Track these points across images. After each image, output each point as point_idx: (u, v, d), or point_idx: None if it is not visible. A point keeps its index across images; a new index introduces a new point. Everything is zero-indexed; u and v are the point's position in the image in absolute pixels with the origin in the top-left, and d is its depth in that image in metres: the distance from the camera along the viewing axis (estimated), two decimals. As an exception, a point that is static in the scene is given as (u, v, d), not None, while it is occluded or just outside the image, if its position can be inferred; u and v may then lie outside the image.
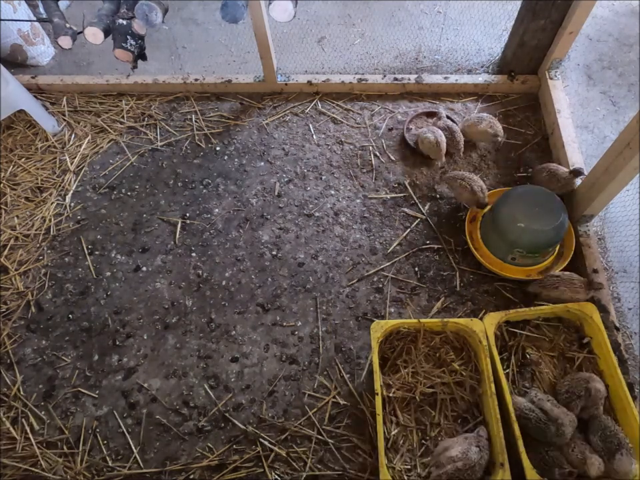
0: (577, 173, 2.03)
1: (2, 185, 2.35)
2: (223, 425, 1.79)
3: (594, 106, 2.56)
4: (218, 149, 2.48)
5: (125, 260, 2.15)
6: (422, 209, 2.24)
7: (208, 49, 2.93)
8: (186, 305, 2.04)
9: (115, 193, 2.35)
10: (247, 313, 2.01)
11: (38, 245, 2.19)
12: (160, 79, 2.64)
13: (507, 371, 1.74)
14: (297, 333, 1.96)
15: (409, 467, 1.61)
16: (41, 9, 2.85)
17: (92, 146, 2.50)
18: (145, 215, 2.28)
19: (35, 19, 2.78)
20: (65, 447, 1.76)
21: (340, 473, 1.69)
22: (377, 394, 1.60)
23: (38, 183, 2.36)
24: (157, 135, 2.53)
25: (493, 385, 1.61)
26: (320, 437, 1.75)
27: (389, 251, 2.13)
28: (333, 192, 2.32)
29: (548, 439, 1.57)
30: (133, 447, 1.76)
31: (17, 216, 2.27)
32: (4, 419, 1.80)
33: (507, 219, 1.90)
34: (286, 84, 2.60)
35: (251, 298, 2.05)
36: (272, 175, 2.38)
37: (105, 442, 1.78)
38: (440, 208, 2.24)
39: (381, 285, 2.05)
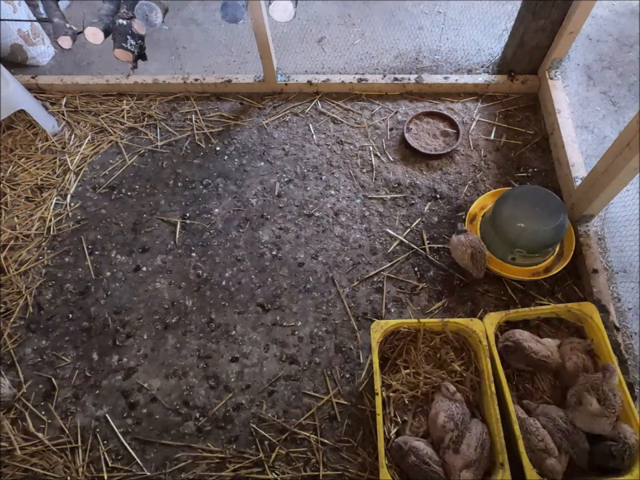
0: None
1: (2, 184, 2.35)
2: (223, 424, 1.79)
3: (594, 106, 2.56)
4: (218, 149, 2.48)
5: (125, 260, 2.16)
6: (422, 209, 2.24)
7: (208, 49, 2.93)
8: (186, 305, 2.04)
9: (115, 192, 2.35)
10: (246, 312, 2.01)
11: (38, 245, 2.19)
12: (160, 79, 2.64)
13: (507, 370, 1.74)
14: (296, 332, 1.96)
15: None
16: (41, 9, 2.85)
17: (92, 146, 2.50)
18: (145, 215, 2.28)
19: (35, 18, 2.78)
20: (64, 447, 1.76)
21: (340, 473, 1.69)
22: (377, 394, 1.60)
23: (38, 183, 2.36)
24: (156, 135, 2.53)
25: (493, 385, 1.61)
26: (320, 437, 1.75)
27: (388, 251, 2.13)
28: (332, 192, 2.32)
29: None
30: (133, 447, 1.76)
31: (17, 216, 2.27)
32: (5, 419, 1.80)
33: (507, 219, 1.90)
34: (286, 84, 2.60)
35: (251, 298, 2.05)
36: (272, 175, 2.38)
37: (105, 442, 1.78)
38: (440, 208, 2.24)
39: (380, 285, 2.05)
